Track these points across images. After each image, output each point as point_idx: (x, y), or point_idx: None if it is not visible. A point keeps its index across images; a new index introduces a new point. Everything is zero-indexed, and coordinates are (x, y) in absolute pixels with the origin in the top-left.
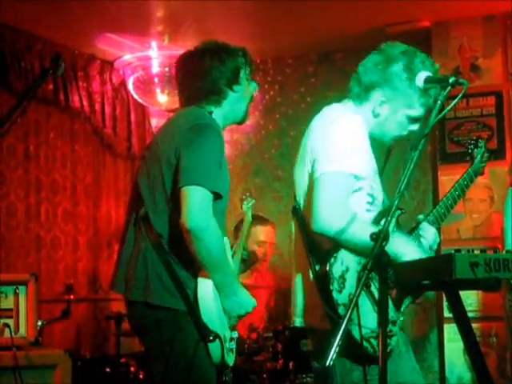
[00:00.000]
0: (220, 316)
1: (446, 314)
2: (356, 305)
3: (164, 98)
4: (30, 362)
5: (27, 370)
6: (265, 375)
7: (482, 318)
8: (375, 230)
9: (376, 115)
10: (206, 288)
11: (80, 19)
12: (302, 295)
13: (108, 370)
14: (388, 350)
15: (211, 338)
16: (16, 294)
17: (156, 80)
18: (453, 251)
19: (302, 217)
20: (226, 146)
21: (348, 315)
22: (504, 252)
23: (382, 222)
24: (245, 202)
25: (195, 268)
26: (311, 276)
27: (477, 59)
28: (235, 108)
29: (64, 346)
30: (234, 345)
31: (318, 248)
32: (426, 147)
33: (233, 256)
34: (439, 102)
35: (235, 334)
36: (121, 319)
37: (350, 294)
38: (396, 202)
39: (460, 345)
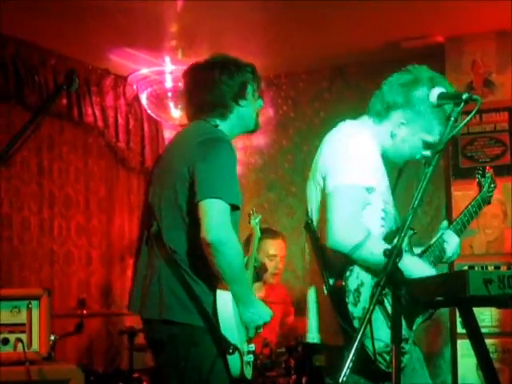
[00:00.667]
0: (239, 329)
1: (460, 329)
2: (369, 321)
3: (177, 113)
4: (43, 376)
5: None
6: None
7: (495, 333)
8: (384, 249)
9: (393, 136)
10: (224, 301)
11: (94, 34)
12: (316, 310)
13: None
14: (401, 367)
15: (231, 350)
16: (29, 309)
17: (169, 95)
18: (466, 267)
19: (315, 232)
20: (238, 161)
21: (362, 330)
22: None
23: (395, 240)
24: (252, 218)
25: (212, 282)
26: (325, 290)
27: (490, 74)
28: (240, 122)
29: (77, 360)
30: (251, 358)
31: (333, 262)
32: (439, 163)
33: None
34: (452, 118)
35: (252, 348)
36: (134, 334)
37: (365, 308)
38: (410, 218)
39: (473, 361)
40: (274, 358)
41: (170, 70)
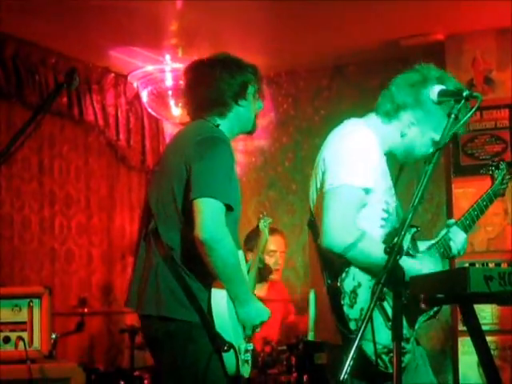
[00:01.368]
0: (235, 327)
1: (461, 327)
2: (370, 319)
3: (178, 111)
4: (44, 374)
5: (41, 383)
6: None
7: (496, 331)
8: (384, 247)
9: (403, 135)
10: (219, 299)
11: (94, 33)
12: (315, 309)
13: (122, 383)
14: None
15: (225, 348)
16: (30, 307)
17: (170, 93)
18: (467, 264)
19: (317, 229)
20: (239, 159)
21: (362, 329)
22: None
23: (395, 239)
24: (262, 221)
25: (208, 279)
26: (325, 290)
27: (490, 72)
28: (240, 122)
29: (78, 359)
30: (249, 356)
31: (331, 262)
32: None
33: (249, 271)
34: (453, 115)
35: (250, 346)
36: (135, 332)
37: (362, 309)
38: (410, 216)
39: (474, 358)
40: (276, 355)
41: (170, 68)
